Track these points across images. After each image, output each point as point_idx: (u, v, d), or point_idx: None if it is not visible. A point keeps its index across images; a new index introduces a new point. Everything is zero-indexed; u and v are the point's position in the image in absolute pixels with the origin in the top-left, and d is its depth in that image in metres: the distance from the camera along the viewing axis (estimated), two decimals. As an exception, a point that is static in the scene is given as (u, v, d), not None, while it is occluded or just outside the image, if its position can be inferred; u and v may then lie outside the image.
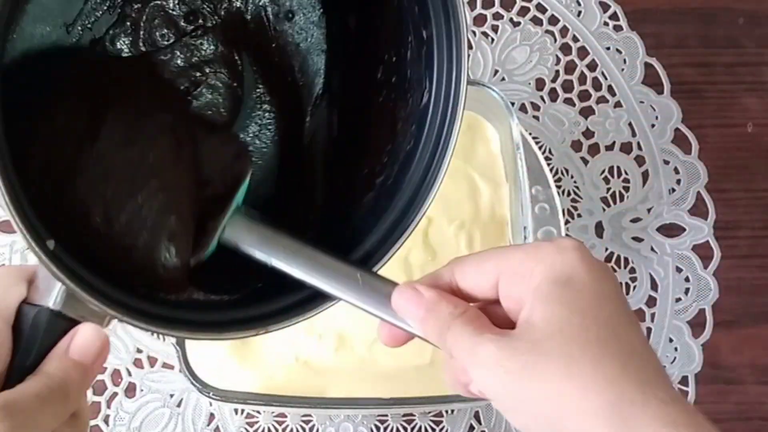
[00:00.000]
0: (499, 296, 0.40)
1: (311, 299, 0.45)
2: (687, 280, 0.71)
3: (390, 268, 0.65)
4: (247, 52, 0.53)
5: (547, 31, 0.76)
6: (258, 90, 0.54)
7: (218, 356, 0.63)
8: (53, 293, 0.40)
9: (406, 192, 0.47)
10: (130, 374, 0.67)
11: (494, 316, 0.40)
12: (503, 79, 0.75)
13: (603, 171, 0.73)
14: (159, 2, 0.50)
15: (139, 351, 0.68)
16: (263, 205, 0.51)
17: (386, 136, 0.50)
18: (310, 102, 0.54)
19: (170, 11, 0.51)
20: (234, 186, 0.47)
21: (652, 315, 0.71)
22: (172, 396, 0.67)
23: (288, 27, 0.54)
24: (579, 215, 0.72)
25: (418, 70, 0.48)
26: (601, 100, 0.75)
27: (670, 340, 0.70)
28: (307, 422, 0.67)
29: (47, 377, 0.39)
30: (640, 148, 0.74)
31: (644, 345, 0.38)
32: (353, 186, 0.51)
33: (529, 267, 0.39)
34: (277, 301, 0.46)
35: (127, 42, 0.50)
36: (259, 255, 0.45)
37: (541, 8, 0.77)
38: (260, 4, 0.53)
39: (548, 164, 0.71)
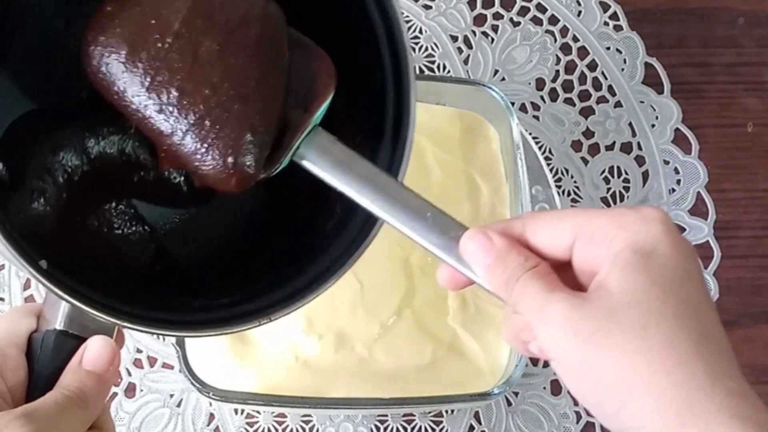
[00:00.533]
0: (573, 258, 0.39)
1: (309, 285, 0.46)
2: (687, 280, 0.71)
3: (390, 269, 0.66)
4: None
5: (547, 31, 0.76)
6: None
7: (218, 356, 0.63)
8: (58, 315, 0.42)
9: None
10: (130, 374, 0.67)
11: (565, 279, 0.38)
12: (503, 79, 0.75)
13: (603, 171, 0.73)
14: None
15: (139, 351, 0.68)
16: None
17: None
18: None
19: None
20: (316, 102, 0.45)
21: (652, 315, 0.70)
22: (172, 396, 0.67)
23: None
24: (579, 215, 0.72)
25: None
26: (601, 100, 0.75)
27: (670, 340, 0.70)
28: (307, 422, 0.67)
29: (64, 388, 0.41)
30: (640, 148, 0.74)
31: (720, 331, 0.37)
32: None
33: (611, 232, 0.38)
34: (276, 293, 0.46)
35: None
36: (330, 179, 0.43)
37: (541, 8, 0.77)
38: None
39: (548, 164, 0.71)
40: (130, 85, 0.41)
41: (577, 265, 0.39)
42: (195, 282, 0.49)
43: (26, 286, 0.68)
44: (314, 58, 0.45)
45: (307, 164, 0.43)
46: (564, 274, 0.39)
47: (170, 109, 0.41)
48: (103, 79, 0.42)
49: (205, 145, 0.41)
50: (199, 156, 0.41)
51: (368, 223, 0.46)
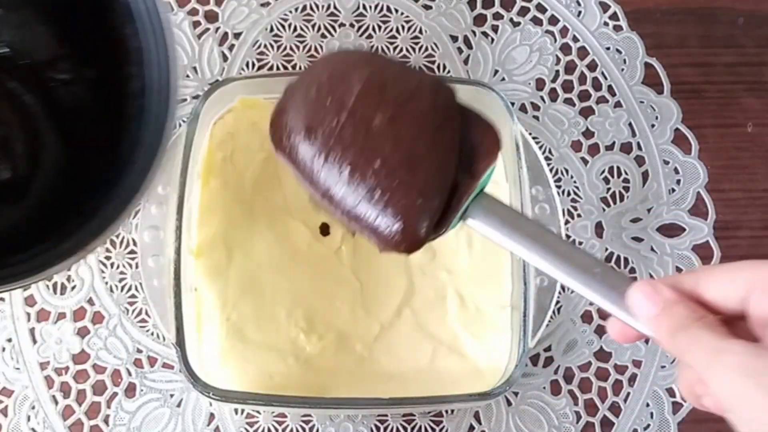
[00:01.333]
0: (749, 310, 0.38)
1: (119, 208, 0.51)
2: (687, 280, 0.71)
3: (390, 269, 0.66)
4: None
5: (547, 31, 0.76)
6: None
7: (218, 356, 0.63)
8: None
9: (146, 143, 0.53)
10: (130, 374, 0.67)
11: (735, 332, 0.38)
12: (503, 79, 0.75)
13: (603, 171, 0.73)
14: None
15: (139, 351, 0.68)
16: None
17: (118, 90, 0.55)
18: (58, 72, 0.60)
19: None
20: (481, 166, 0.47)
21: (652, 315, 0.70)
22: (172, 396, 0.67)
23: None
24: (579, 215, 0.72)
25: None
26: (601, 100, 0.75)
27: (670, 340, 0.70)
28: (307, 422, 0.67)
29: None
30: (640, 148, 0.74)
31: None
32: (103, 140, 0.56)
33: None
34: (89, 225, 0.50)
35: None
36: (498, 238, 0.45)
37: (541, 8, 0.77)
38: None
39: (548, 164, 0.71)
40: (309, 162, 0.45)
41: (754, 317, 0.38)
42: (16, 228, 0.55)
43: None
44: (480, 125, 0.48)
45: (475, 225, 0.46)
46: (736, 328, 0.38)
47: (344, 181, 0.45)
48: (289, 156, 0.46)
49: (376, 213, 0.45)
50: (372, 223, 0.45)
51: (158, 136, 0.52)
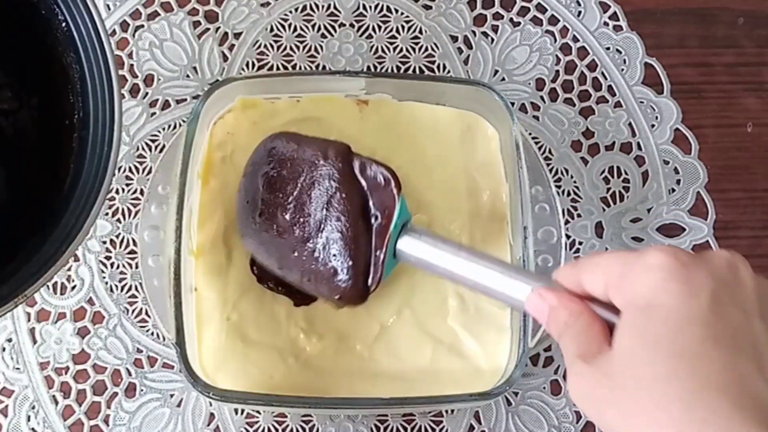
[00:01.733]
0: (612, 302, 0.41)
1: (58, 249, 0.48)
2: (687, 280, 0.71)
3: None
4: None
5: (547, 31, 0.76)
6: None
7: (218, 356, 0.63)
8: None
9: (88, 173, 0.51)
10: (130, 374, 0.67)
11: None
12: (503, 79, 0.75)
13: (603, 171, 0.73)
14: None
15: (139, 351, 0.68)
16: None
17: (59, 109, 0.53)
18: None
19: None
20: (389, 212, 0.55)
21: (652, 315, 0.70)
22: (172, 396, 0.67)
23: None
24: (579, 215, 0.72)
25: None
26: (601, 100, 0.75)
27: (670, 340, 0.70)
28: (307, 422, 0.67)
29: None
30: (640, 148, 0.74)
31: (726, 377, 0.35)
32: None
33: (622, 286, 0.39)
34: (27, 268, 0.48)
35: None
36: (428, 265, 0.54)
37: (541, 8, 0.77)
38: None
39: (548, 164, 0.71)
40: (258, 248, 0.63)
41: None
42: None
43: (26, 286, 0.68)
44: (376, 173, 0.57)
45: (407, 259, 0.56)
46: None
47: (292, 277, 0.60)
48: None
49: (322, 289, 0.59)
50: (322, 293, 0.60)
51: (101, 169, 0.50)
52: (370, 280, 0.57)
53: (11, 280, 0.47)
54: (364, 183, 0.57)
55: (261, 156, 0.63)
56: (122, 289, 0.69)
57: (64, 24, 0.52)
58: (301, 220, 0.59)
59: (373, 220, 0.56)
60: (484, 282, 0.51)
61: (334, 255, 0.58)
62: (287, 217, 0.59)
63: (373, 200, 0.57)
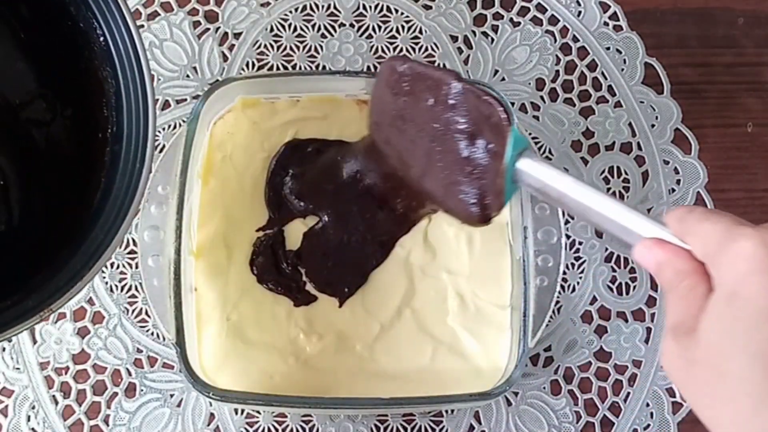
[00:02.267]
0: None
1: (86, 264, 0.47)
2: (687, 280, 0.71)
3: (390, 268, 0.66)
4: None
5: (547, 31, 0.76)
6: None
7: (218, 356, 0.63)
8: None
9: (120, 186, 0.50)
10: (130, 374, 0.67)
11: None
12: (503, 79, 0.75)
13: (603, 171, 0.74)
14: None
15: (139, 351, 0.68)
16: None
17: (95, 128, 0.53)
18: (34, 113, 0.58)
19: None
20: (500, 142, 0.52)
21: (652, 315, 0.71)
22: (172, 396, 0.67)
23: None
24: (579, 215, 0.72)
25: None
26: (601, 100, 0.75)
27: (670, 340, 0.70)
28: (307, 422, 0.67)
29: None
30: (640, 148, 0.74)
31: None
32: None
33: (715, 263, 0.40)
34: (54, 281, 0.47)
35: None
36: (548, 190, 0.51)
37: (541, 8, 0.77)
38: None
39: (548, 164, 0.71)
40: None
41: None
42: None
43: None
44: (485, 104, 0.53)
45: (527, 181, 0.52)
46: None
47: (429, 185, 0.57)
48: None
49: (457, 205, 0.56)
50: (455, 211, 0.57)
51: (132, 184, 0.49)
52: (489, 203, 0.55)
53: (38, 293, 0.47)
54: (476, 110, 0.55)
55: (386, 79, 0.59)
56: (122, 289, 0.69)
57: (102, 38, 0.51)
58: (434, 141, 0.57)
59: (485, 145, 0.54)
60: (602, 211, 0.48)
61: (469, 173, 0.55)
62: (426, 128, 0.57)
63: (485, 127, 0.55)
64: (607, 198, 0.48)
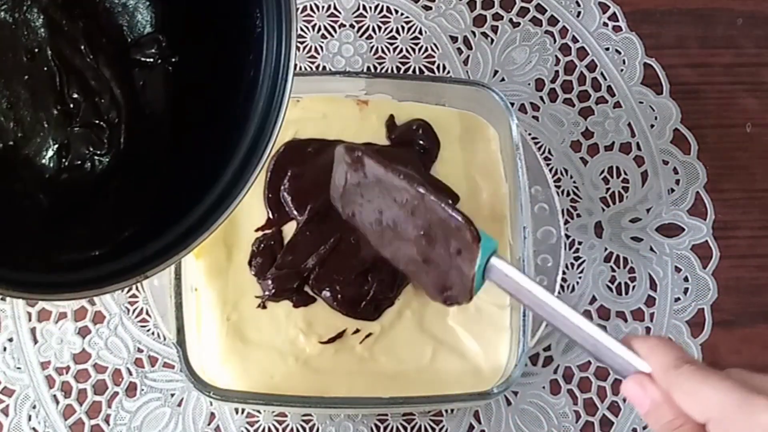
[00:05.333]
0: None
1: (183, 238, 0.47)
2: (686, 279, 0.72)
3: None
4: (80, 20, 0.55)
5: (546, 32, 0.77)
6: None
7: (218, 356, 0.63)
8: None
9: (254, 120, 0.50)
10: (130, 374, 0.68)
11: None
12: (503, 79, 0.75)
13: (602, 171, 0.74)
14: None
15: (139, 351, 0.68)
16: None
17: (229, 68, 0.52)
18: (143, 55, 0.57)
19: None
20: (471, 254, 0.53)
21: (651, 315, 0.71)
22: (172, 395, 0.67)
23: None
24: (578, 215, 0.72)
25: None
26: (601, 100, 0.75)
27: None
28: (307, 422, 0.67)
29: None
30: (639, 148, 0.74)
31: None
32: (202, 124, 0.54)
33: (729, 430, 0.39)
34: (148, 248, 0.47)
35: None
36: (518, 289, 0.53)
37: (540, 9, 0.77)
38: None
39: (548, 164, 0.71)
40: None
41: None
42: (63, 230, 0.50)
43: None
44: (453, 220, 0.54)
45: (497, 279, 0.54)
46: None
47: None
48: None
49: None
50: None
51: (245, 171, 0.49)
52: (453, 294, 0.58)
53: (131, 254, 0.47)
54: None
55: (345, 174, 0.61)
56: (123, 289, 0.69)
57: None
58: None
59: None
60: (581, 327, 0.49)
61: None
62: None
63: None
64: (573, 314, 0.49)
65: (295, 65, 0.51)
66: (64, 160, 0.54)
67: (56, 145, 0.54)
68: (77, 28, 0.55)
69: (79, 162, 0.54)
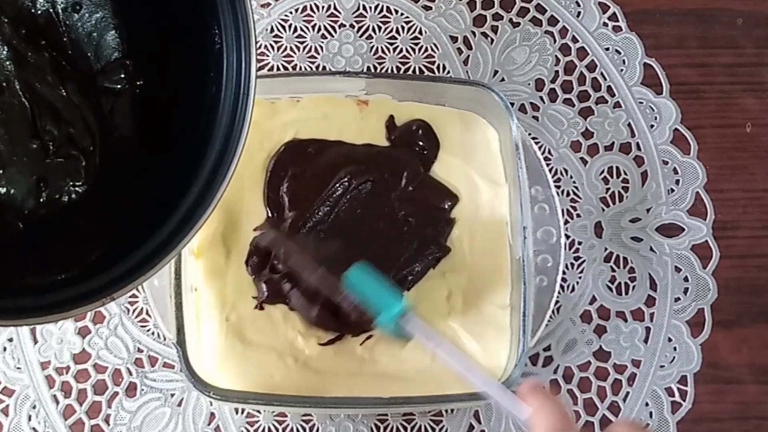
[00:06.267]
0: None
1: (150, 258, 0.48)
2: (686, 279, 0.72)
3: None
4: (45, 51, 0.55)
5: (546, 32, 0.77)
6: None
7: (218, 356, 0.63)
8: None
9: (218, 137, 0.50)
10: (130, 374, 0.68)
11: None
12: (503, 79, 0.75)
13: (602, 171, 0.74)
14: None
15: (139, 351, 0.68)
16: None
17: (191, 86, 0.52)
18: (111, 82, 0.57)
19: None
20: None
21: (651, 315, 0.71)
22: (172, 395, 0.67)
23: (77, 19, 0.56)
24: (578, 215, 0.72)
25: (204, 13, 0.51)
26: (601, 100, 0.75)
27: (669, 340, 0.70)
28: (307, 422, 0.67)
29: None
30: (639, 148, 0.74)
31: None
32: (168, 145, 0.54)
33: None
34: (115, 269, 0.47)
35: None
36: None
37: (540, 9, 0.77)
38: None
39: (547, 164, 0.71)
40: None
41: None
42: (35, 254, 0.50)
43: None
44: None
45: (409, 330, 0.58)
46: None
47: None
48: None
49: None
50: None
51: (211, 188, 0.49)
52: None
53: (98, 277, 0.48)
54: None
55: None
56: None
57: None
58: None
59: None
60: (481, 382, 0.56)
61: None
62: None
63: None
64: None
65: (256, 80, 0.51)
66: (43, 193, 0.54)
67: (34, 178, 0.54)
68: (44, 59, 0.55)
69: (57, 196, 0.55)
